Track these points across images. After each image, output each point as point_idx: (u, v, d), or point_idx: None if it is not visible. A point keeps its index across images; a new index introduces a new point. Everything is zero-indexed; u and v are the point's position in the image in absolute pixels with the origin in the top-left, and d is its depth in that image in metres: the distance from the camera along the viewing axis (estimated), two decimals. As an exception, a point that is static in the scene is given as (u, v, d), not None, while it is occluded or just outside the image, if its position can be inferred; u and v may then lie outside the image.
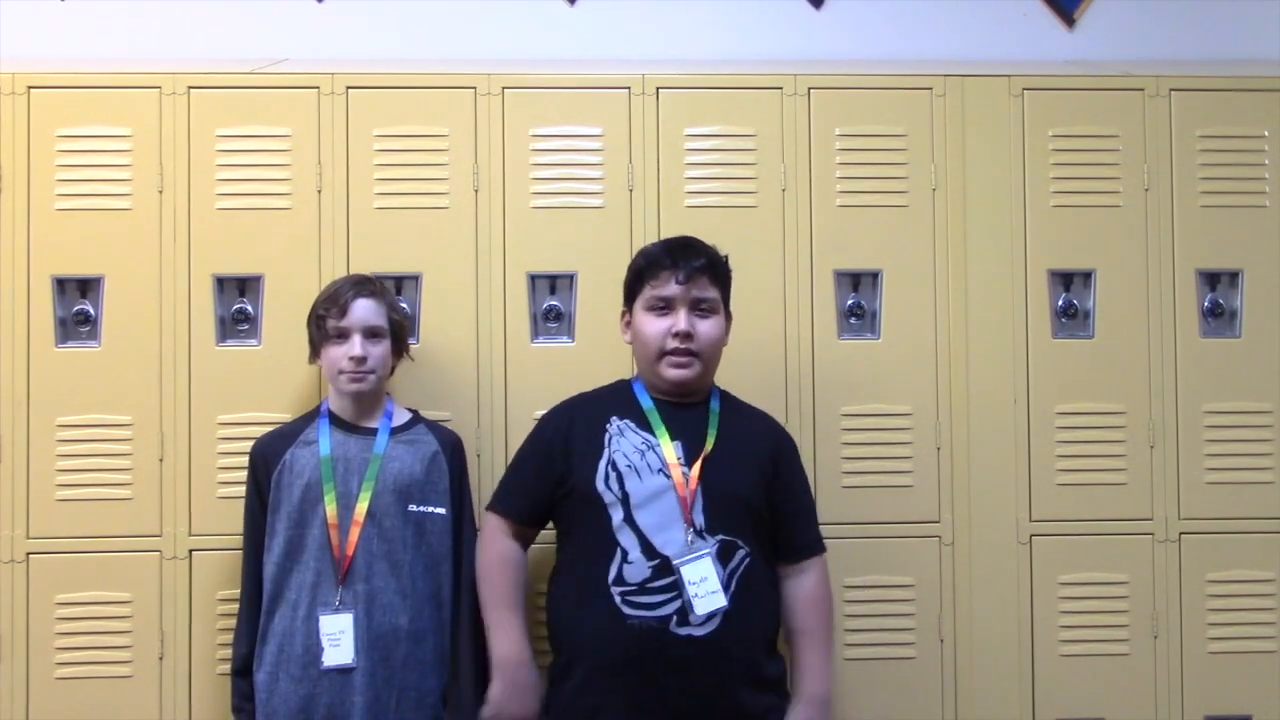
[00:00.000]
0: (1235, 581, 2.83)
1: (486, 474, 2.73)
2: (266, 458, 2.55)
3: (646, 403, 2.43)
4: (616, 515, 2.32)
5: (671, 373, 2.38)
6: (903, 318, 2.84)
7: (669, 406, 2.42)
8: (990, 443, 2.83)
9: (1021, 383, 2.85)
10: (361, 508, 2.49)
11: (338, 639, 2.44)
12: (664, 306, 2.39)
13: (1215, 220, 2.89)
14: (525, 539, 2.50)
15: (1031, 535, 2.82)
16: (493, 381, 2.79)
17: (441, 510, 2.54)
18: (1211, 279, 2.89)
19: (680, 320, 2.37)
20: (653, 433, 2.38)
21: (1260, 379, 2.87)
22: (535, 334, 2.81)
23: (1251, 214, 2.90)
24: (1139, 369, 2.86)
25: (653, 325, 2.39)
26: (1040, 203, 2.87)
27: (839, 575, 2.77)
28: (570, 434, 2.43)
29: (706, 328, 2.39)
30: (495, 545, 2.47)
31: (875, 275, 2.85)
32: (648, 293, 2.40)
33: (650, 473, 2.34)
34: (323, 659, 2.44)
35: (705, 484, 2.33)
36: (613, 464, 2.35)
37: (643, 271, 2.41)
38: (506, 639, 2.40)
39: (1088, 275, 2.87)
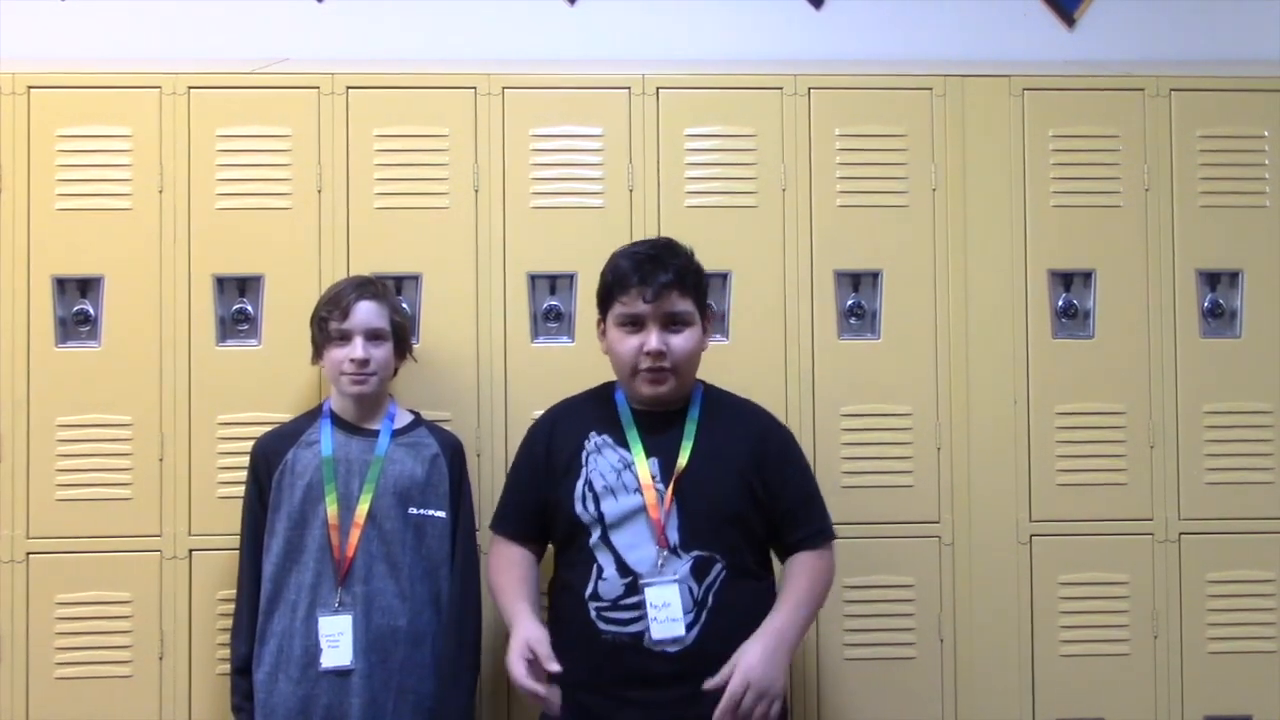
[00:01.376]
0: (1235, 581, 2.83)
1: (486, 475, 2.74)
2: (268, 457, 2.55)
3: (625, 415, 2.38)
4: (594, 534, 2.30)
5: (646, 389, 2.34)
6: (903, 318, 2.84)
7: (647, 418, 2.37)
8: (990, 443, 2.83)
9: (1021, 383, 2.85)
10: (362, 509, 2.48)
11: (336, 640, 2.44)
12: (634, 323, 2.33)
13: (1215, 220, 2.89)
14: (532, 552, 2.46)
15: (1031, 535, 2.82)
16: (493, 381, 2.79)
17: (441, 514, 2.54)
18: (1211, 279, 2.89)
19: (651, 340, 2.30)
20: (630, 449, 2.35)
21: (1260, 379, 2.87)
22: (535, 334, 2.81)
23: (1251, 214, 2.90)
24: (1139, 369, 2.86)
25: (624, 343, 2.33)
26: (1040, 203, 2.87)
27: (839, 575, 2.75)
28: (550, 447, 2.40)
29: (679, 342, 2.32)
30: (498, 552, 2.45)
31: (875, 275, 2.85)
32: (618, 309, 2.33)
33: (626, 492, 2.31)
34: (321, 660, 2.44)
35: (680, 500, 2.30)
36: (589, 484, 2.33)
37: (611, 288, 2.35)
38: (525, 623, 2.28)
39: (1088, 275, 2.87)
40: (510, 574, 2.39)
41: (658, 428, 2.36)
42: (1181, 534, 2.84)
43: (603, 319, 2.40)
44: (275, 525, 2.51)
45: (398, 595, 2.48)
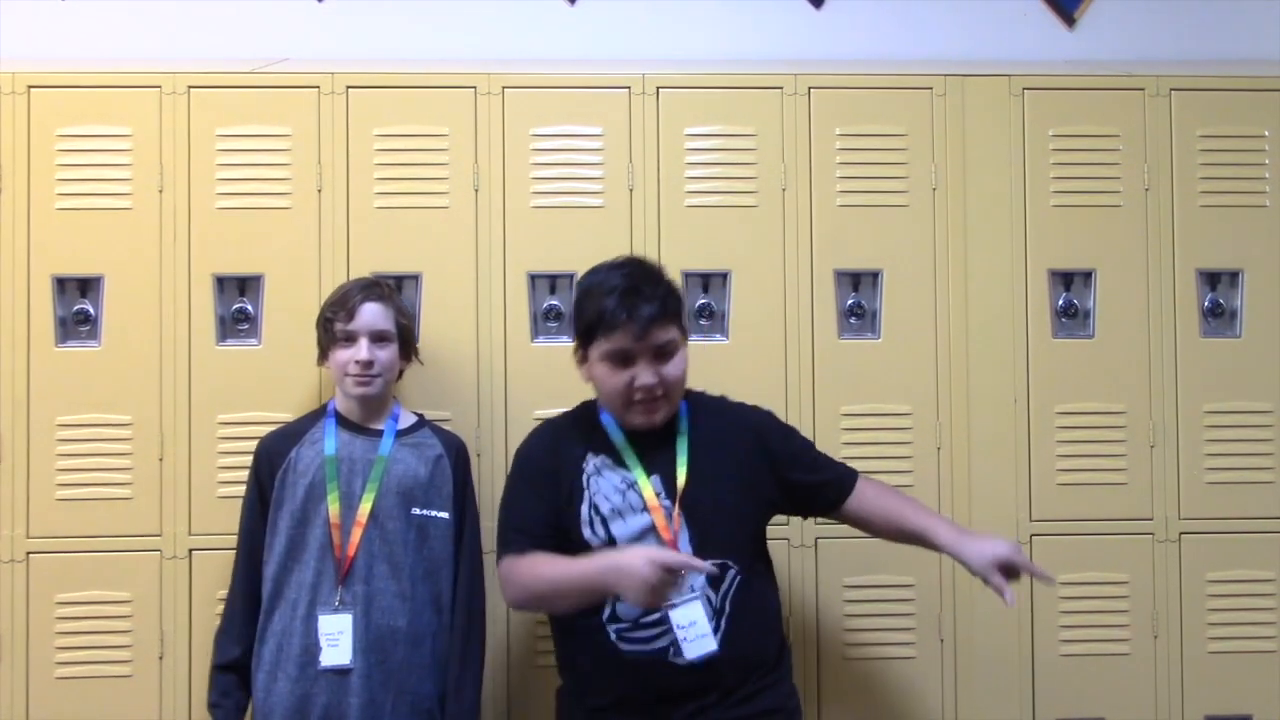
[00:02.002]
0: (1235, 581, 2.83)
1: (486, 474, 2.73)
2: (270, 457, 2.55)
3: (618, 437, 2.34)
4: None
5: (641, 420, 2.30)
6: (903, 318, 2.84)
7: (640, 435, 2.34)
8: (990, 443, 2.83)
9: (1021, 383, 2.85)
10: (364, 509, 2.48)
11: (336, 639, 2.44)
12: (623, 359, 2.26)
13: (1215, 220, 2.89)
14: None
15: (1032, 535, 2.82)
16: (493, 381, 2.79)
17: (445, 514, 2.54)
18: (1211, 279, 2.89)
19: (644, 374, 2.25)
20: (630, 469, 2.32)
21: (1260, 379, 2.87)
22: (535, 334, 2.81)
23: (1251, 214, 2.90)
24: (1139, 369, 2.86)
25: (614, 378, 2.27)
26: (1040, 203, 2.87)
27: (839, 575, 2.78)
28: (553, 466, 2.34)
29: (670, 369, 2.28)
30: (519, 564, 2.28)
31: (875, 275, 2.85)
32: (604, 345, 2.26)
33: (634, 513, 2.29)
34: (320, 658, 2.44)
35: (688, 515, 2.28)
36: (595, 508, 2.30)
37: (594, 326, 2.27)
38: (593, 559, 2.21)
39: (1088, 275, 2.87)
40: (550, 561, 2.25)
41: (651, 444, 2.34)
42: (1181, 534, 2.84)
43: (582, 349, 2.34)
44: (278, 523, 2.51)
45: (398, 595, 2.48)
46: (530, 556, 2.28)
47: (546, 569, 2.26)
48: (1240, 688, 2.82)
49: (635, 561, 2.11)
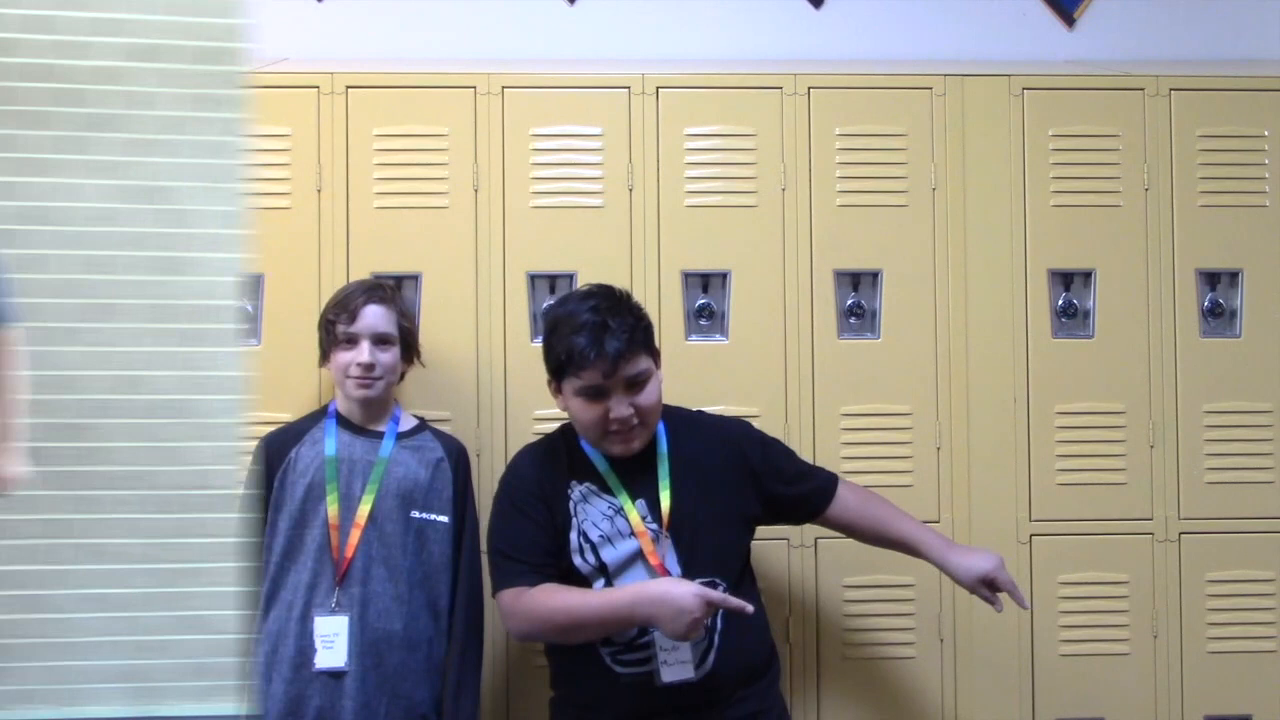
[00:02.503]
0: (1235, 581, 2.83)
1: (486, 475, 2.72)
2: (270, 455, 2.54)
3: (600, 464, 2.34)
4: (597, 584, 2.28)
5: (619, 449, 2.30)
6: (903, 318, 2.84)
7: (621, 462, 2.33)
8: (990, 443, 2.83)
9: (1021, 383, 2.84)
10: (364, 510, 2.48)
11: (331, 641, 2.43)
12: (596, 394, 2.26)
13: (1215, 220, 2.89)
14: None
15: (1031, 535, 2.82)
16: (492, 381, 2.78)
17: (444, 519, 2.53)
18: (1211, 279, 2.89)
19: (618, 406, 2.25)
20: (615, 495, 2.32)
21: (1260, 379, 2.87)
22: (535, 334, 2.81)
23: (1251, 214, 2.89)
24: (1139, 369, 2.86)
25: (588, 412, 2.27)
26: (1040, 203, 2.87)
27: (839, 575, 2.78)
28: (546, 486, 2.34)
29: (644, 399, 2.27)
30: (526, 598, 2.27)
31: (875, 275, 2.85)
32: (575, 383, 2.26)
33: (622, 538, 2.29)
34: (315, 660, 2.43)
35: (674, 536, 2.29)
36: (584, 535, 2.30)
37: (564, 364, 2.26)
38: (622, 590, 2.24)
39: (1088, 275, 2.87)
40: (564, 592, 2.26)
41: (633, 468, 2.34)
42: (1181, 534, 2.83)
43: (555, 382, 2.33)
44: (277, 524, 2.50)
45: (395, 599, 2.47)
46: (540, 588, 2.27)
47: (561, 600, 2.25)
48: (1240, 688, 2.82)
49: (685, 597, 2.13)
